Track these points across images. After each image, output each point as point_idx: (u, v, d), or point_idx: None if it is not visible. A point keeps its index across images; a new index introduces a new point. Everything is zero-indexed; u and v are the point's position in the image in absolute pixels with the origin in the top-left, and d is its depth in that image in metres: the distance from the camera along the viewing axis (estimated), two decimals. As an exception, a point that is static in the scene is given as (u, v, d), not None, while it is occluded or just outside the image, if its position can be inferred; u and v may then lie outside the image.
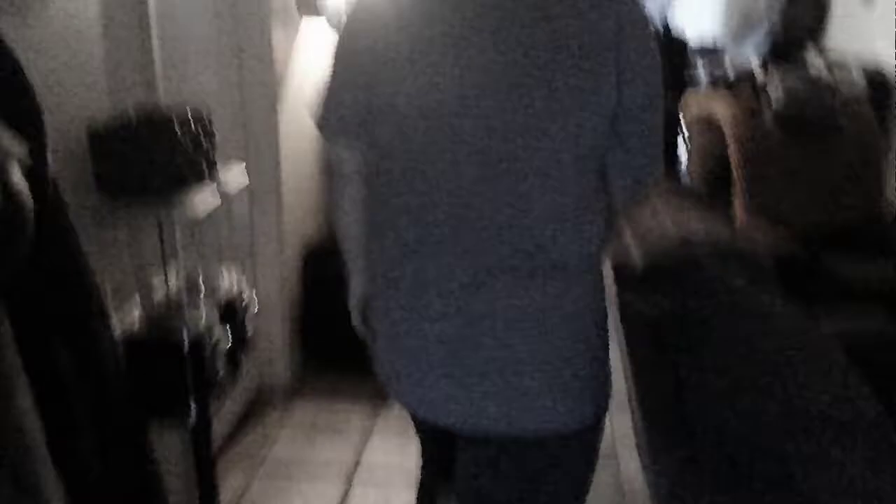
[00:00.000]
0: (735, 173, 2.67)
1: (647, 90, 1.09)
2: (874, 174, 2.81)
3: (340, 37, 1.14)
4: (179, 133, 1.44)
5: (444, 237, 1.02)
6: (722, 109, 2.80)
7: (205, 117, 1.57)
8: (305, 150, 2.75)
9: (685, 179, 3.00)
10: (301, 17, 2.45)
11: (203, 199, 1.54)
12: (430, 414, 1.11)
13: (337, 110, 1.14)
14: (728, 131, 2.68)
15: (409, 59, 1.01)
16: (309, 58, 2.60)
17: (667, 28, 3.94)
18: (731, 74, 3.91)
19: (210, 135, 1.59)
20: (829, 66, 3.07)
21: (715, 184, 2.76)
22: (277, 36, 2.34)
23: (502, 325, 1.02)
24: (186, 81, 2.06)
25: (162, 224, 1.64)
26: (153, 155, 1.42)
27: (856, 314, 1.80)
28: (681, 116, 2.99)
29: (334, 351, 2.82)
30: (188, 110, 1.54)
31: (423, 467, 1.41)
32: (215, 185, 1.60)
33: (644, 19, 1.11)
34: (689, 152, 2.91)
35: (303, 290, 2.86)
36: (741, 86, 3.45)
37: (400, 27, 1.03)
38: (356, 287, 1.29)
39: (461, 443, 1.14)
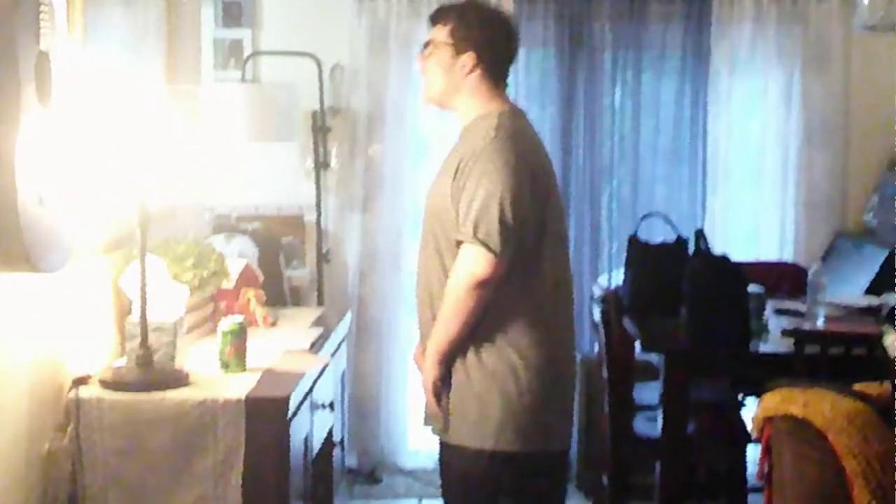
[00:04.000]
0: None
1: None
2: None
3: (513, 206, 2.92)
4: None
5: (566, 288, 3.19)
6: (829, 410, 2.65)
7: None
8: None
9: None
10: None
11: None
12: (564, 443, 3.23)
13: (509, 243, 2.93)
14: (845, 451, 2.55)
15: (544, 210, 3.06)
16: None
17: (702, 243, 3.95)
18: (822, 326, 3.91)
19: None
20: None
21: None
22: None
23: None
24: None
25: None
26: None
27: None
28: (750, 421, 2.91)
29: None
30: None
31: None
32: None
33: None
34: (772, 484, 2.76)
35: None
36: (858, 357, 3.43)
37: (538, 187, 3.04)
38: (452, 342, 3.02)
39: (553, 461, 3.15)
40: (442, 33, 3.07)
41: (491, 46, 3.06)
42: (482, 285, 2.88)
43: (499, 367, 2.96)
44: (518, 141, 3.01)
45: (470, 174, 2.94)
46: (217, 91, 4.89)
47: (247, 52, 5.57)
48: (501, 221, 2.88)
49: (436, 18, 3.14)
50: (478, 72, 3.05)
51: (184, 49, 3.82)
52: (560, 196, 3.25)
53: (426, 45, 3.12)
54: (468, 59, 3.03)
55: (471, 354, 2.97)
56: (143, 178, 2.81)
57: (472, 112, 3.06)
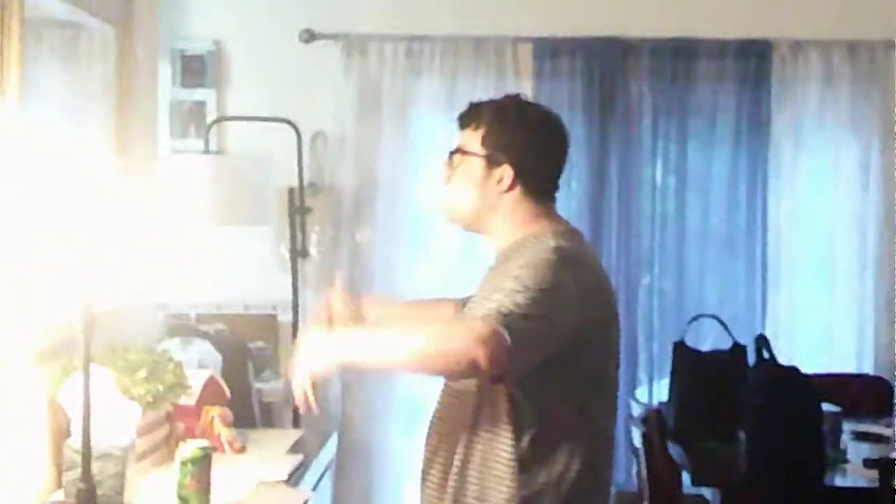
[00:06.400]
0: None
1: None
2: None
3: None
4: None
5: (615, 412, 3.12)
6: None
7: None
8: None
9: None
10: None
11: None
12: None
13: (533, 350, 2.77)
14: None
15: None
16: None
17: (764, 351, 3.95)
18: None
19: None
20: None
21: None
22: None
23: None
24: None
25: None
26: None
27: None
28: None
29: None
30: None
31: None
32: None
33: None
34: None
35: None
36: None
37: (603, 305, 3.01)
38: None
39: None
40: (472, 140, 2.97)
41: (534, 156, 2.97)
42: (473, 365, 2.55)
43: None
44: (582, 263, 2.91)
45: (516, 277, 2.75)
46: (173, 164, 4.94)
47: (210, 116, 5.65)
48: (538, 320, 2.67)
49: (465, 120, 3.02)
50: (518, 189, 2.95)
51: (137, 114, 3.85)
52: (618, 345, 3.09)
53: (452, 153, 3.02)
54: (504, 173, 2.93)
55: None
56: (88, 272, 2.82)
57: (512, 234, 2.96)
